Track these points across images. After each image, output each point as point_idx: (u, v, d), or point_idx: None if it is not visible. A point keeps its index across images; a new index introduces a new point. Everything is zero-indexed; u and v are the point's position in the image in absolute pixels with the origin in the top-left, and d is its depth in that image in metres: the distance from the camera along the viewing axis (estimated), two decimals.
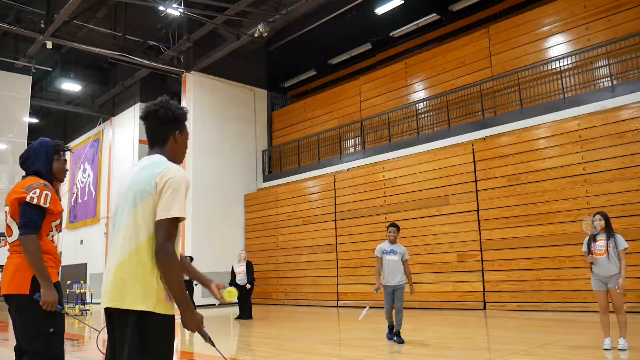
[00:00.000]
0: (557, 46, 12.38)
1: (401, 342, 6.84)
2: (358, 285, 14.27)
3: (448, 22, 16.12)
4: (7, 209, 3.05)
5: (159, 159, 2.23)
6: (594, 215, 5.90)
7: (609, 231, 5.74)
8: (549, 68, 12.16)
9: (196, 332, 2.19)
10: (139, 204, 2.11)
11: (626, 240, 5.73)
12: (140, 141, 20.96)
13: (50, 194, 2.96)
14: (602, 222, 5.77)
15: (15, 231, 2.96)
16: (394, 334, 7.04)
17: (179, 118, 2.32)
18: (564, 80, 11.73)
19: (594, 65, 11.50)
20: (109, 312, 2.16)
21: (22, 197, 2.89)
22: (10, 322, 3.06)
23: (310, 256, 15.71)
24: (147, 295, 2.06)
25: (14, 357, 3.01)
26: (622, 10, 11.33)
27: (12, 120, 19.20)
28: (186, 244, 16.85)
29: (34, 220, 2.89)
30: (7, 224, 3.05)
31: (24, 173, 3.16)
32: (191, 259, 13.39)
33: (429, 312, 11.82)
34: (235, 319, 12.01)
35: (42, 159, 3.10)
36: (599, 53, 11.30)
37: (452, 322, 9.75)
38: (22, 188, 2.96)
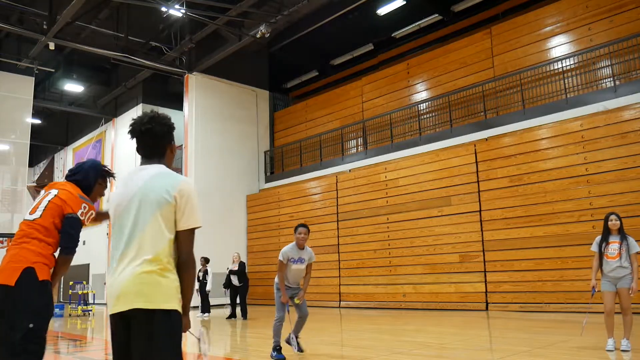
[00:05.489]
0: (560, 47, 12.37)
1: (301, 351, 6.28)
2: (360, 286, 14.27)
3: (450, 22, 16.11)
4: (52, 193, 3.06)
5: (165, 169, 2.39)
6: (609, 215, 5.81)
7: (622, 233, 5.70)
8: (552, 68, 12.14)
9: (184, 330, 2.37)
10: (157, 212, 2.24)
11: None
12: None
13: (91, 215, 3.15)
14: (618, 223, 5.72)
15: (37, 214, 2.97)
16: (295, 342, 6.32)
17: (171, 130, 2.46)
18: (566, 80, 11.71)
19: (596, 65, 11.48)
20: (124, 314, 2.19)
21: (76, 207, 3.01)
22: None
23: None
24: (172, 295, 2.22)
25: None
26: (625, 11, 11.32)
27: (14, 121, 19.24)
28: None
29: (77, 239, 3.02)
30: (36, 205, 3.05)
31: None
32: (207, 260, 13.46)
33: (430, 313, 11.81)
34: (227, 318, 12.09)
35: (88, 180, 3.26)
36: (602, 53, 11.29)
37: (454, 323, 9.73)
38: (76, 193, 3.08)
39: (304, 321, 6.31)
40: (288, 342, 6.40)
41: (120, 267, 2.22)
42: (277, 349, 6.10)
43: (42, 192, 3.14)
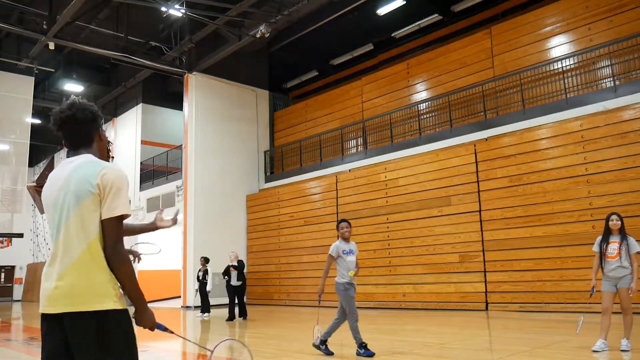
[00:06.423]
0: (560, 47, 12.37)
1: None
2: (360, 286, 14.22)
3: (450, 22, 16.11)
4: None
5: (91, 158, 2.19)
6: (610, 215, 5.82)
7: (622, 233, 5.71)
8: (551, 68, 12.14)
9: (150, 329, 2.21)
10: (81, 203, 2.07)
11: None
12: (142, 142, 21.01)
13: None
14: (619, 224, 5.72)
15: None
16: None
17: (96, 116, 2.27)
18: (566, 80, 11.71)
19: (596, 65, 11.48)
20: (56, 317, 2.04)
21: None
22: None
23: (312, 257, 15.70)
24: (105, 294, 2.04)
25: None
26: (625, 11, 11.32)
27: (14, 121, 19.26)
28: (188, 245, 16.87)
29: None
30: None
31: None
32: (207, 260, 13.42)
33: (430, 313, 11.80)
34: (227, 320, 11.80)
35: None
36: (601, 53, 11.29)
37: (453, 323, 9.74)
38: None
39: (339, 325, 6.45)
40: (317, 346, 6.37)
41: (50, 266, 2.09)
42: (364, 345, 6.23)
43: None
